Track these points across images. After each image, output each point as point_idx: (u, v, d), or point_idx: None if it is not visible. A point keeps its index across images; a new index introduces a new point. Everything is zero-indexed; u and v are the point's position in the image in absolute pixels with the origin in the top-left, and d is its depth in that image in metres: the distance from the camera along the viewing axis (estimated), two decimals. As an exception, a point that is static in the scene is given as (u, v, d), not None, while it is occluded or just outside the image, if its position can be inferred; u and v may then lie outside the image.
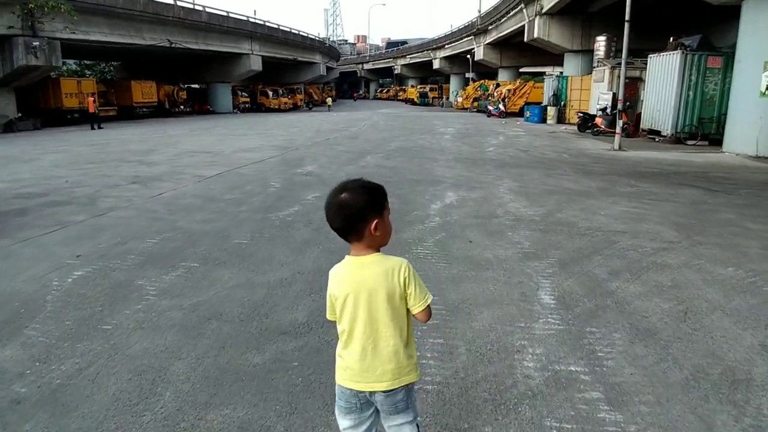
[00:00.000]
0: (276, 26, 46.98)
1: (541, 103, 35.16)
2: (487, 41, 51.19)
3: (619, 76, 26.89)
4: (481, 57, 52.71)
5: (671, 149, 16.94)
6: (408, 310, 1.94)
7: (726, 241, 6.39)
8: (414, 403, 2.06)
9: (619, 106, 18.13)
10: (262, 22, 44.44)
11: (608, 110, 24.57)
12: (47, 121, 29.42)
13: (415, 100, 67.04)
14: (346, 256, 1.94)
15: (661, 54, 20.62)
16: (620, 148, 16.75)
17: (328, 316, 2.01)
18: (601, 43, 30.02)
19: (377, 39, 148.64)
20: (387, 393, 1.93)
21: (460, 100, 53.34)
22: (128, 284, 4.86)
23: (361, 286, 1.88)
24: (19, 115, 27.12)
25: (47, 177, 11.24)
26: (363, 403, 1.99)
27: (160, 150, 16.04)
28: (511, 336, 3.83)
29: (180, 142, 18.85)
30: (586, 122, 25.03)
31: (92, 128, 26.97)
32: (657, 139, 20.07)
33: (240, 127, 26.83)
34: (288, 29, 49.44)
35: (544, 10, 33.74)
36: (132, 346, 3.70)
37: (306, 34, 54.10)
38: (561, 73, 41.61)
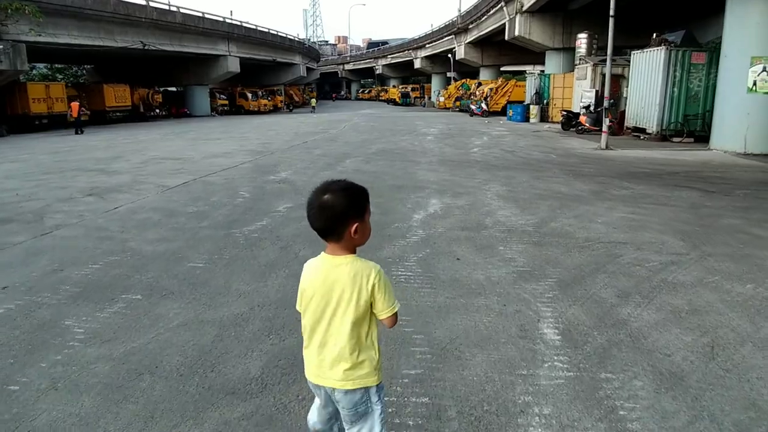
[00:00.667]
0: (254, 27, 45.97)
1: (524, 101, 34.70)
2: (468, 40, 50.72)
3: (602, 74, 26.54)
4: (462, 56, 52.23)
5: (658, 147, 16.44)
6: (372, 314, 1.95)
7: (737, 251, 5.76)
8: (378, 417, 2.02)
9: (605, 104, 17.59)
10: (239, 23, 43.41)
11: (591, 108, 24.14)
12: (14, 127, 28.17)
13: (397, 100, 66.40)
14: (322, 253, 1.96)
15: (645, 50, 20.15)
16: (607, 147, 16.21)
17: (297, 307, 2.04)
18: (582, 40, 29.60)
19: (358, 40, 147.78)
20: (345, 392, 1.95)
21: (442, 99, 52.82)
22: (53, 325, 4.06)
23: (330, 285, 1.91)
24: (-17, 121, 25.88)
25: (-3, 189, 10.32)
26: (327, 399, 2.06)
27: (126, 157, 15.12)
28: (512, 389, 3.11)
29: (149, 147, 17.91)
30: (570, 120, 24.53)
31: (76, 132, 26.66)
32: (642, 137, 19.59)
33: (215, 130, 25.88)
34: (266, 30, 48.45)
35: (524, 8, 33.27)
36: (37, 416, 2.91)
37: (285, 35, 53.15)
38: (542, 71, 41.32)
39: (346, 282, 1.88)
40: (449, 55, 55.56)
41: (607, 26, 17.75)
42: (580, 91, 26.82)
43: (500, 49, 49.40)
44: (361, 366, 1.93)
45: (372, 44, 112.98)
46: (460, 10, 52.23)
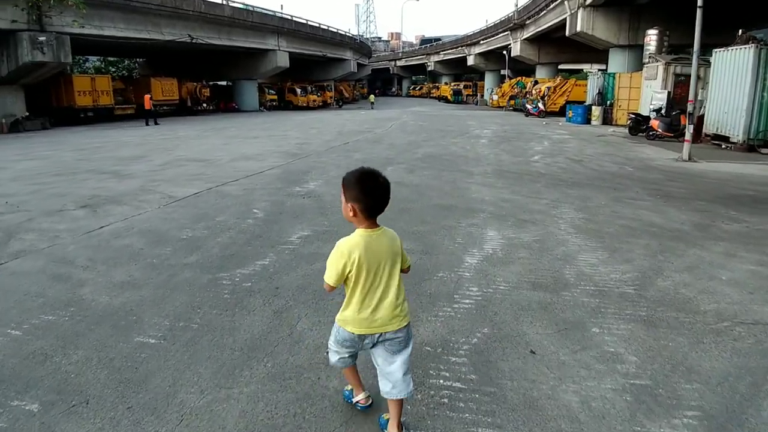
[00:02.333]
0: (304, 21, 44.73)
1: (584, 102, 32.00)
2: (525, 36, 47.99)
3: (674, 74, 23.83)
4: (518, 53, 49.51)
5: (748, 160, 13.87)
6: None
7: None
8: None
9: (689, 107, 15.08)
10: (289, 17, 42.24)
11: (663, 111, 21.50)
12: (60, 120, 27.76)
13: (449, 97, 64.10)
14: (360, 231, 2.43)
15: (729, 49, 17.40)
16: (690, 159, 13.78)
17: (336, 283, 2.43)
18: (652, 37, 26.80)
19: (411, 36, 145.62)
20: (397, 331, 2.50)
21: (495, 98, 50.28)
22: None
23: (379, 251, 2.43)
24: (27, 114, 25.41)
25: (-10, 195, 9.03)
26: (360, 344, 2.56)
27: (149, 157, 13.78)
28: None
29: (180, 146, 16.60)
30: (639, 125, 21.91)
31: (147, 124, 27.34)
32: (724, 146, 16.92)
33: (256, 127, 24.53)
34: (317, 25, 47.14)
35: (587, 2, 30.58)
36: None
37: (336, 30, 51.75)
38: (601, 70, 38.29)
39: (388, 246, 2.45)
40: (504, 52, 52.88)
41: (681, 21, 15.38)
42: (649, 93, 24.13)
43: (558, 46, 46.51)
44: (405, 303, 2.56)
45: (425, 41, 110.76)
46: (517, 5, 49.47)
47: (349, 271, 2.39)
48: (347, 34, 57.19)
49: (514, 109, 43.48)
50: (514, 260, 5.38)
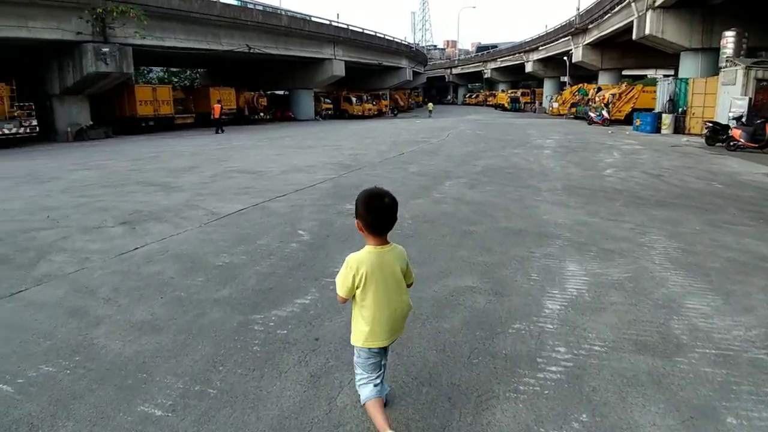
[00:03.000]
0: (360, 30, 44.41)
1: (653, 109, 30.03)
2: (587, 41, 46.02)
3: (756, 78, 21.82)
4: (580, 59, 47.51)
5: None
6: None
7: None
8: None
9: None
10: (345, 26, 41.99)
11: (743, 119, 19.63)
12: (122, 129, 28.33)
13: (506, 105, 62.46)
14: (368, 247, 2.59)
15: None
16: (787, 173, 12.20)
17: (346, 294, 2.61)
18: (729, 39, 24.73)
19: (467, 44, 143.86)
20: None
21: (555, 105, 48.41)
22: None
23: (386, 267, 2.59)
24: (91, 123, 25.98)
25: (36, 209, 8.72)
26: (383, 353, 2.72)
27: (201, 168, 13.40)
28: None
29: (233, 156, 16.24)
30: (717, 134, 20.06)
31: (217, 132, 27.76)
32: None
33: (310, 137, 24.11)
34: (372, 33, 46.76)
35: (656, 4, 28.68)
36: None
37: (391, 38, 51.22)
38: (668, 75, 36.00)
39: (393, 262, 2.61)
40: (564, 58, 50.92)
41: (759, 21, 13.60)
42: (727, 99, 22.21)
43: (622, 51, 44.39)
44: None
45: (481, 48, 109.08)
46: (578, 9, 47.60)
47: (357, 285, 2.56)
48: (403, 42, 56.61)
49: (575, 117, 41.65)
50: (605, 306, 4.37)
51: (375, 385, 2.67)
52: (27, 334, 4.02)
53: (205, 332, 3.95)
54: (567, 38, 50.35)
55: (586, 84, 47.19)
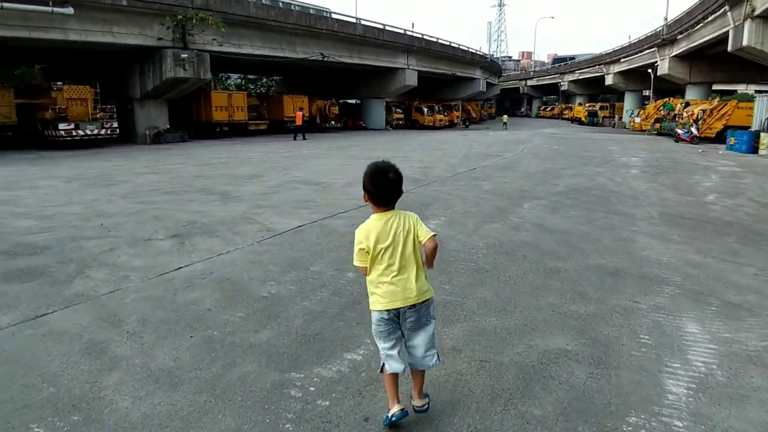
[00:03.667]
0: (434, 39, 43.63)
1: (749, 127, 27.35)
2: (674, 53, 43.12)
3: None
4: (666, 71, 44.52)
5: None
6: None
7: None
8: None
9: None
10: (419, 35, 41.34)
11: None
12: (198, 133, 28.84)
13: (583, 119, 59.81)
14: (374, 216, 2.71)
15: None
16: None
17: (362, 263, 2.69)
18: None
19: (543, 55, 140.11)
20: (419, 306, 2.69)
21: (638, 120, 45.58)
22: None
23: (392, 232, 2.65)
24: (168, 127, 26.54)
25: (92, 214, 8.42)
26: (395, 324, 2.71)
27: (265, 176, 12.95)
28: None
29: (299, 165, 15.77)
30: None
31: (304, 138, 28.06)
32: None
33: (379, 147, 23.45)
34: (447, 43, 45.85)
35: (756, 13, 26.07)
36: None
37: (466, 48, 50.11)
38: (761, 90, 32.84)
39: (400, 226, 2.66)
40: (649, 71, 47.95)
41: None
42: None
43: (712, 64, 41.29)
44: (426, 280, 2.77)
45: (557, 59, 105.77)
46: (666, 19, 44.66)
47: (367, 251, 2.64)
48: (477, 52, 55.34)
49: (659, 133, 39.03)
50: (747, 394, 3.24)
51: (396, 353, 2.72)
52: (33, 374, 3.40)
53: (231, 393, 3.16)
54: (652, 50, 47.43)
55: (671, 98, 44.17)
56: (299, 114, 29.57)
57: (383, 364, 2.77)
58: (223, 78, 47.81)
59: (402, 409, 2.74)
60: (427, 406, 2.85)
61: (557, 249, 6.47)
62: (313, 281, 5.20)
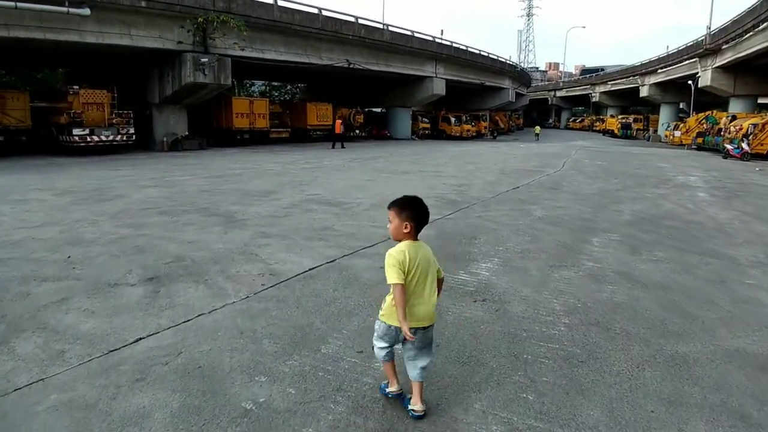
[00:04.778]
0: (464, 48, 41.79)
1: (808, 144, 24.98)
2: (718, 64, 40.60)
3: None
4: (708, 83, 41.91)
5: None
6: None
7: None
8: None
9: None
10: (448, 43, 39.57)
11: None
12: (218, 140, 27.48)
13: (616, 131, 57.20)
14: (407, 243, 2.89)
15: None
16: None
17: (400, 279, 2.79)
18: None
19: (570, 66, 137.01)
20: (428, 328, 2.97)
21: (677, 134, 42.98)
22: None
23: (423, 258, 2.89)
24: (186, 134, 25.20)
25: (66, 241, 6.82)
26: (396, 337, 2.98)
27: (279, 193, 11.28)
28: None
29: (318, 179, 14.08)
30: None
31: (342, 147, 27.73)
32: None
33: (406, 159, 21.65)
34: (476, 51, 43.95)
35: (817, 22, 23.83)
36: None
37: (495, 57, 48.12)
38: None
39: (428, 253, 2.94)
40: (689, 82, 45.35)
41: None
42: None
43: (760, 76, 38.75)
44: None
45: (585, 71, 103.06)
46: (709, 28, 42.14)
47: (404, 270, 2.80)
48: (507, 61, 53.29)
49: (699, 148, 36.61)
50: None
51: (386, 351, 3.05)
52: None
53: None
54: (693, 60, 44.87)
55: (714, 111, 41.56)
56: (338, 122, 29.32)
57: (382, 359, 3.08)
58: (248, 85, 46.63)
59: (400, 390, 3.12)
60: (424, 413, 2.98)
61: (666, 318, 4.59)
62: (323, 378, 3.42)
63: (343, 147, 27.74)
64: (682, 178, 16.80)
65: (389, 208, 2.97)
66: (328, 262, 6.03)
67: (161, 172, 15.40)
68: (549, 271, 5.86)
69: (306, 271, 5.69)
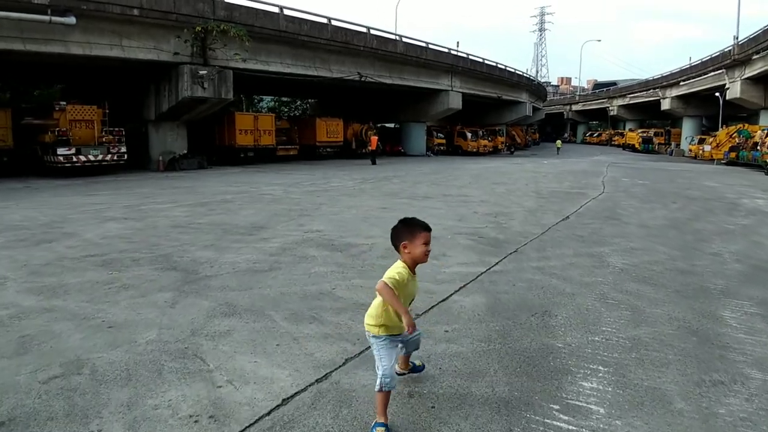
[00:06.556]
0: (480, 60, 39.45)
1: None
2: (747, 75, 37.82)
3: None
4: (737, 95, 39.10)
5: None
6: None
7: None
8: None
9: None
10: (464, 55, 37.22)
11: None
12: (221, 159, 25.17)
13: (636, 146, 54.39)
14: (407, 270, 2.98)
15: None
16: None
17: (395, 285, 2.84)
18: None
19: (582, 81, 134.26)
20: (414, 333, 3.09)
21: (707, 148, 40.06)
22: None
23: (413, 287, 3.08)
24: (185, 152, 22.90)
25: None
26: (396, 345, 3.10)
27: (268, 230, 8.76)
28: None
29: (322, 207, 11.57)
30: None
31: (373, 163, 27.45)
32: None
33: (423, 179, 19.08)
34: (493, 64, 41.60)
35: None
36: None
37: (513, 70, 45.71)
38: None
39: (415, 285, 3.14)
40: (716, 94, 42.49)
41: None
42: None
43: (793, 87, 35.93)
44: None
45: (598, 85, 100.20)
46: (736, 38, 39.42)
47: (398, 288, 2.87)
48: (524, 74, 50.82)
49: (729, 163, 33.78)
50: None
51: (391, 375, 2.91)
52: None
53: None
54: (720, 71, 42.09)
55: (746, 124, 38.64)
56: (374, 139, 29.06)
57: (381, 385, 2.87)
58: (256, 101, 44.54)
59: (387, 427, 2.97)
60: (421, 366, 3.54)
61: None
62: None
63: (374, 163, 27.23)
64: (747, 201, 14.03)
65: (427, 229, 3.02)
66: (315, 382, 3.45)
67: (140, 198, 13.01)
68: (699, 400, 3.23)
69: (276, 408, 3.11)
